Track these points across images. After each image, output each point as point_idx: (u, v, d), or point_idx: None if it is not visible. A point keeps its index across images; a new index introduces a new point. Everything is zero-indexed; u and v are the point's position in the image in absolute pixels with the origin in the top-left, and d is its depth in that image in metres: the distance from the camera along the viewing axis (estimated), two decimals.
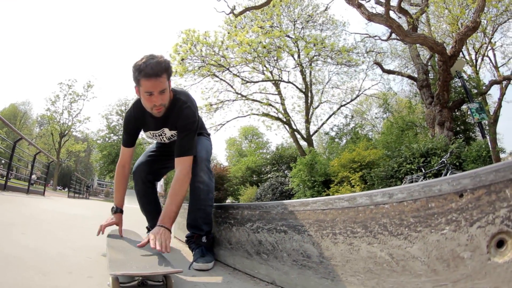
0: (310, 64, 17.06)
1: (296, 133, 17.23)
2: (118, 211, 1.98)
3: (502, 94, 17.62)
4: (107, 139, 30.66)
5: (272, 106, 16.88)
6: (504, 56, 19.19)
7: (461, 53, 14.49)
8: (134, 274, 1.26)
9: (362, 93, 19.88)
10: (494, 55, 19.39)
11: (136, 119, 1.95)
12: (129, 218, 2.45)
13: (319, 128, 20.04)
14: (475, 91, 13.51)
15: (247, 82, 16.40)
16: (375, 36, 15.67)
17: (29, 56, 79.31)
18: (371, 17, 9.90)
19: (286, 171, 17.74)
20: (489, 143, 11.64)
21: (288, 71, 17.75)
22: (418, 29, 11.74)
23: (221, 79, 16.15)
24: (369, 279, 1.12)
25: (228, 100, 16.63)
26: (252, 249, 1.63)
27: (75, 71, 75.25)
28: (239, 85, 16.53)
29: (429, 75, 13.14)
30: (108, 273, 1.21)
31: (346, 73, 18.49)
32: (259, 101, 16.81)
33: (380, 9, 10.93)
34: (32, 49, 79.88)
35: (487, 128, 15.15)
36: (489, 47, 18.19)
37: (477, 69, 17.89)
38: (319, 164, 12.43)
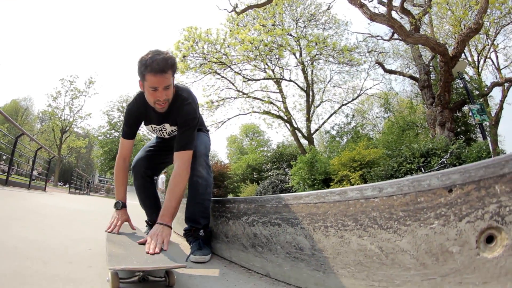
0: (312, 63, 17.05)
1: (297, 131, 17.25)
2: (123, 206, 1.98)
3: (504, 96, 17.58)
4: (108, 136, 30.77)
5: (273, 104, 16.90)
6: (506, 59, 19.11)
7: (463, 54, 14.46)
8: (135, 268, 1.18)
9: (363, 93, 19.90)
10: (497, 57, 19.33)
11: (138, 112, 1.97)
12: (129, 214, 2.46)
13: (320, 127, 20.08)
14: (477, 92, 13.50)
15: (249, 80, 16.42)
16: (377, 36, 15.68)
17: (31, 52, 79.42)
18: (373, 17, 9.89)
19: (286, 169, 17.77)
20: (490, 145, 11.63)
21: (290, 70, 17.79)
22: (421, 29, 11.72)
23: (222, 77, 16.17)
24: (359, 272, 1.14)
25: (230, 98, 16.66)
26: (248, 242, 1.66)
27: (76, 67, 75.38)
28: (241, 83, 16.56)
29: (431, 75, 13.13)
30: (107, 267, 1.15)
31: (347, 72, 18.49)
32: (260, 99, 16.83)
33: (382, 9, 10.92)
34: (34, 45, 79.97)
35: (488, 129, 15.14)
36: (492, 49, 18.11)
37: (479, 70, 17.84)
38: (320, 162, 12.46)
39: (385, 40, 15.39)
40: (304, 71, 17.61)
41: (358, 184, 10.29)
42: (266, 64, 16.41)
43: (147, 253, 1.40)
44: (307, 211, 1.33)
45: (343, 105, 19.69)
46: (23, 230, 2.11)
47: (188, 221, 2.10)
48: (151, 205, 2.47)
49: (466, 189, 0.94)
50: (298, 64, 17.18)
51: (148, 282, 1.27)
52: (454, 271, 0.95)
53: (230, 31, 15.10)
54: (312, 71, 18.03)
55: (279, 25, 16.19)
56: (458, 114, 12.83)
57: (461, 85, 11.28)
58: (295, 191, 12.66)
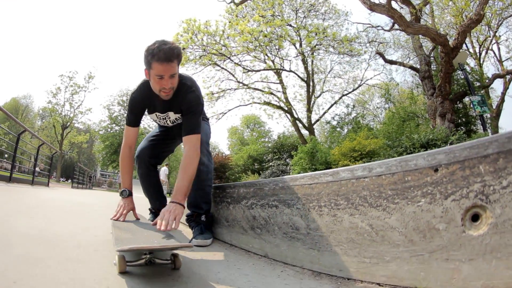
0: (312, 53, 16.96)
1: (297, 122, 17.25)
2: (130, 194, 1.98)
3: (506, 88, 17.37)
4: (109, 130, 30.75)
5: (274, 95, 16.87)
6: (508, 51, 18.84)
7: (464, 45, 14.35)
8: (142, 247, 1.15)
9: (364, 83, 19.81)
10: (499, 49, 19.09)
11: (142, 100, 2.01)
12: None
13: (320, 117, 20.06)
14: (478, 84, 13.43)
15: (249, 71, 16.35)
16: (378, 26, 15.57)
17: (29, 49, 78.82)
18: (373, 7, 9.83)
19: (287, 159, 17.85)
20: None
21: (290, 60, 17.66)
22: (421, 20, 11.64)
23: (222, 68, 16.11)
24: (351, 249, 1.21)
25: (230, 89, 16.62)
26: (247, 224, 1.74)
27: (75, 62, 74.92)
28: (241, 74, 16.49)
29: (432, 66, 13.07)
30: (115, 249, 1.14)
31: (348, 62, 18.38)
32: (260, 90, 16.79)
33: None
34: (32, 42, 79.48)
35: (489, 121, 15.11)
36: (494, 41, 17.90)
37: (481, 62, 17.68)
38: (320, 152, 12.53)
39: (385, 30, 15.29)
40: (304, 62, 17.53)
41: None
42: (266, 55, 16.34)
43: (159, 229, 1.43)
44: (302, 192, 1.39)
45: (343, 95, 19.65)
46: (32, 221, 2.19)
47: (190, 206, 2.17)
48: (155, 193, 2.54)
49: (451, 169, 0.99)
50: (298, 54, 17.08)
51: (154, 265, 1.27)
52: (441, 248, 1.00)
53: (229, 22, 14.99)
54: (312, 61, 17.95)
55: (279, 15, 16.05)
56: (459, 105, 12.81)
57: (462, 76, 11.22)
58: None
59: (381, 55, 15.16)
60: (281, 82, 17.19)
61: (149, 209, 2.64)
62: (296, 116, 17.31)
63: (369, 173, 1.17)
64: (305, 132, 17.75)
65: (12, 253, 1.28)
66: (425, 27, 9.93)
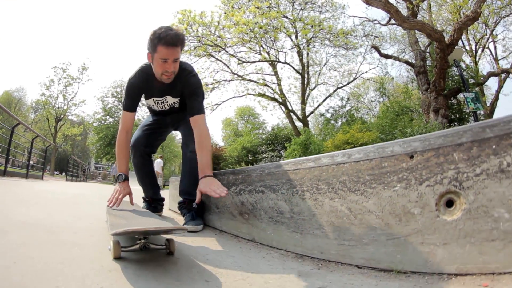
0: (308, 46, 16.92)
1: (292, 113, 17.31)
2: (126, 178, 1.99)
3: (500, 86, 17.41)
4: (103, 122, 30.55)
5: (268, 86, 16.86)
6: (505, 50, 18.93)
7: (461, 42, 14.41)
8: (136, 229, 1.12)
9: (359, 76, 19.87)
10: (495, 47, 19.16)
11: (139, 85, 2.06)
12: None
13: (315, 110, 20.13)
14: (472, 81, 13.53)
15: (244, 62, 16.30)
16: (374, 20, 15.59)
17: (21, 42, 77.22)
18: (369, 1, 9.82)
19: (281, 151, 17.95)
20: None
21: (285, 52, 17.61)
22: (419, 15, 11.65)
23: (217, 59, 16.02)
24: (331, 232, 1.27)
25: (224, 80, 16.58)
26: (236, 210, 1.81)
27: (69, 54, 73.74)
28: (236, 65, 16.43)
29: (427, 62, 13.15)
30: (109, 234, 1.14)
31: (344, 55, 18.39)
32: (255, 82, 16.76)
33: None
34: (25, 34, 77.74)
35: (483, 118, 15.28)
36: (490, 39, 17.94)
37: (476, 59, 17.77)
38: (314, 144, 12.62)
39: (382, 24, 15.32)
40: (299, 54, 17.51)
41: None
42: (261, 46, 16.26)
43: (220, 196, 1.56)
44: (286, 177, 1.46)
45: (338, 88, 19.70)
46: (29, 210, 2.25)
47: (182, 194, 2.24)
48: (149, 182, 2.61)
49: (426, 156, 1.05)
50: (294, 46, 17.04)
51: (149, 250, 1.27)
52: (416, 232, 1.05)
53: (225, 13, 14.88)
54: (307, 53, 17.93)
55: (275, 7, 15.95)
56: (453, 102, 12.92)
57: (457, 73, 11.30)
58: None
59: (377, 49, 15.20)
60: (276, 74, 17.18)
61: (143, 197, 2.70)
62: (290, 108, 17.36)
63: (348, 159, 1.23)
64: (299, 124, 17.83)
65: (11, 239, 1.34)
66: (421, 23, 9.96)
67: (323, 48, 17.90)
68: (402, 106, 15.40)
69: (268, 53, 16.78)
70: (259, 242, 1.62)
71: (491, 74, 15.22)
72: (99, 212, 2.18)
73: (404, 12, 10.47)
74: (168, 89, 2.09)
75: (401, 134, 9.71)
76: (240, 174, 1.82)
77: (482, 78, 14.53)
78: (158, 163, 15.46)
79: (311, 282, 1.05)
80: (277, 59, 17.02)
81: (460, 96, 11.96)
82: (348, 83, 19.97)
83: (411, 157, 1.08)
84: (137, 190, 2.50)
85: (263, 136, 22.53)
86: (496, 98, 17.40)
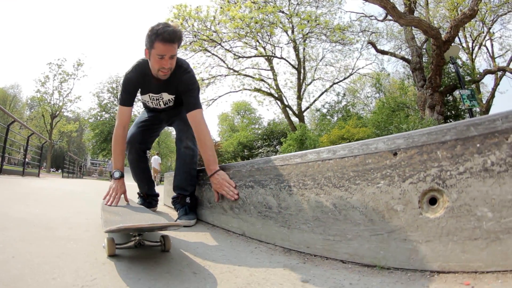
0: (304, 41, 16.90)
1: (287, 109, 17.34)
2: (122, 176, 1.99)
3: (496, 84, 17.51)
4: (99, 118, 30.38)
5: (264, 81, 16.87)
6: (502, 48, 19.01)
7: (458, 39, 14.42)
8: (130, 226, 1.11)
9: (355, 72, 19.89)
10: (492, 45, 19.22)
11: (136, 80, 2.07)
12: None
13: (311, 105, 20.13)
14: (469, 78, 13.59)
15: (239, 57, 16.26)
16: (371, 16, 15.59)
17: (15, 38, 76.29)
18: None
19: (277, 146, 18.02)
20: None
21: (281, 47, 17.64)
22: (416, 12, 11.67)
23: (213, 54, 15.98)
24: (317, 227, 1.30)
25: (220, 75, 16.56)
26: (227, 205, 1.85)
27: (64, 50, 73.02)
28: (231, 60, 16.41)
29: (423, 58, 13.19)
30: (103, 231, 1.13)
31: (340, 51, 18.39)
32: (251, 77, 16.76)
33: None
34: (19, 30, 76.76)
35: (478, 116, 15.35)
36: (487, 37, 17.98)
37: (473, 57, 17.81)
38: (309, 139, 12.68)
39: (379, 20, 15.31)
40: (296, 49, 17.48)
41: None
42: (257, 41, 16.24)
43: (235, 200, 1.69)
44: (275, 173, 1.50)
45: (334, 83, 19.72)
46: (26, 207, 2.29)
47: (176, 189, 2.28)
48: (144, 178, 2.64)
49: (409, 153, 1.05)
50: (290, 41, 17.02)
51: (144, 247, 1.26)
52: (399, 228, 1.06)
53: (221, 8, 14.81)
54: (304, 49, 17.91)
55: (271, 2, 15.88)
56: (449, 98, 13.00)
57: (453, 70, 11.32)
58: None
59: (373, 45, 15.21)
60: (272, 69, 17.16)
61: (138, 193, 2.73)
62: (286, 103, 17.39)
63: (333, 155, 1.25)
64: (295, 119, 17.88)
65: (9, 234, 1.39)
66: (418, 19, 9.98)
67: (320, 43, 17.93)
68: (398, 102, 15.46)
69: (264, 48, 16.76)
70: (249, 237, 1.66)
71: (487, 72, 15.29)
72: (95, 208, 2.22)
73: (401, 8, 10.49)
74: (164, 86, 2.11)
75: (397, 130, 9.77)
76: (231, 169, 1.85)
77: (478, 76, 14.62)
78: (155, 160, 15.46)
79: (295, 276, 1.09)
80: (273, 54, 17.00)
81: (456, 93, 12.04)
82: (344, 79, 20.03)
83: (395, 154, 1.09)
84: (132, 186, 2.54)
85: (259, 131, 22.57)
86: (492, 95, 17.49)
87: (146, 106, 2.47)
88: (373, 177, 1.14)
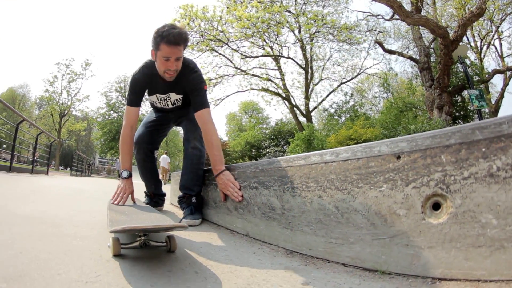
0: (311, 40, 16.86)
1: (295, 108, 17.33)
2: (130, 175, 2.00)
3: (505, 84, 17.19)
4: (107, 117, 30.71)
5: (272, 81, 16.89)
6: (510, 47, 18.77)
7: (466, 39, 14.20)
8: (135, 227, 1.11)
9: (363, 72, 19.79)
10: (501, 44, 18.91)
11: (143, 81, 2.09)
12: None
13: (318, 105, 20.10)
14: (477, 78, 13.38)
15: (247, 57, 16.31)
16: (378, 15, 15.48)
17: (24, 38, 77.62)
18: None
19: (284, 146, 18.01)
20: None
21: (288, 47, 17.60)
22: (423, 11, 11.54)
23: (220, 54, 16.07)
24: (319, 229, 1.29)
25: (228, 75, 16.64)
26: (232, 205, 1.86)
27: (72, 50, 74.02)
28: (239, 60, 16.47)
29: (431, 58, 13.04)
30: (108, 231, 1.12)
31: (347, 50, 18.32)
32: (258, 76, 16.79)
33: None
34: (28, 30, 78.06)
35: (487, 116, 15.12)
36: (496, 36, 17.64)
37: (481, 56, 17.53)
38: (317, 140, 12.65)
39: (386, 19, 15.20)
40: (303, 49, 17.46)
41: None
42: (264, 41, 16.27)
43: (239, 201, 1.71)
44: (278, 174, 1.50)
45: (342, 83, 19.66)
46: (33, 205, 2.33)
47: (182, 188, 2.30)
48: (151, 178, 2.67)
49: (413, 157, 1.03)
50: (297, 41, 16.99)
51: (149, 248, 1.27)
52: (401, 233, 1.04)
53: (227, 8, 14.85)
54: (311, 48, 17.87)
55: (277, 1, 15.86)
56: (458, 99, 12.82)
57: (462, 70, 11.13)
58: None
59: (380, 44, 15.10)
60: (279, 68, 17.17)
61: (145, 192, 2.77)
62: (294, 103, 17.39)
63: (336, 157, 1.24)
64: (303, 119, 17.85)
65: (17, 231, 1.42)
66: (425, 18, 9.87)
67: (327, 43, 17.89)
68: (406, 102, 15.33)
69: (271, 47, 16.77)
70: (253, 237, 1.66)
71: (496, 72, 15.05)
72: (101, 207, 2.25)
73: (408, 7, 10.39)
74: (171, 86, 2.13)
75: (405, 131, 9.68)
76: (236, 169, 1.86)
77: (487, 76, 14.39)
78: (164, 159, 15.56)
79: (295, 278, 1.09)
80: (280, 54, 16.99)
81: (465, 93, 11.86)
82: (352, 78, 19.94)
83: (398, 157, 1.07)
84: (139, 184, 2.57)
85: (267, 131, 22.58)
86: (501, 96, 17.19)
87: (154, 106, 2.49)
88: (376, 181, 1.12)
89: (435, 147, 0.98)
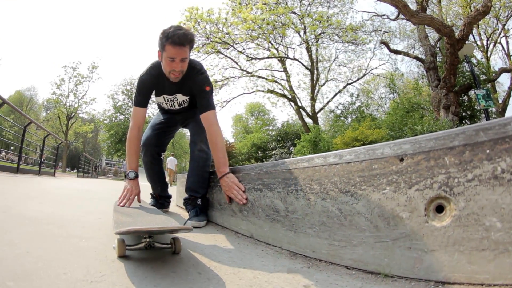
0: (317, 41, 16.84)
1: (301, 110, 17.30)
2: (136, 176, 2.01)
3: None
4: (113, 119, 31.03)
5: (278, 83, 16.89)
6: None
7: (472, 37, 14.04)
8: (140, 229, 1.11)
9: (369, 72, 19.69)
10: (507, 42, 18.64)
11: (151, 82, 2.11)
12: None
13: (324, 106, 20.04)
14: (484, 77, 13.22)
15: (252, 59, 16.35)
16: (383, 15, 15.43)
17: (31, 42, 78.83)
18: None
19: (291, 148, 17.98)
20: None
21: (294, 48, 17.65)
22: (428, 10, 11.46)
23: (226, 56, 16.13)
24: (323, 231, 1.29)
25: (233, 77, 16.69)
26: (236, 207, 1.86)
27: (79, 53, 74.92)
28: (244, 62, 16.53)
29: (437, 57, 12.92)
30: (113, 233, 1.13)
31: (353, 51, 18.26)
32: (264, 78, 16.82)
33: None
34: (35, 34, 79.32)
35: (494, 116, 14.92)
36: (502, 34, 17.44)
37: (488, 55, 17.32)
38: (323, 141, 12.61)
39: (391, 19, 15.14)
40: (308, 50, 17.44)
41: None
42: (270, 42, 16.29)
43: (243, 204, 1.71)
44: (282, 176, 1.50)
45: (348, 84, 19.58)
46: (40, 206, 2.37)
47: (188, 190, 2.32)
48: (157, 180, 2.70)
49: (416, 159, 1.02)
50: (302, 42, 16.99)
51: (154, 249, 1.27)
52: (404, 236, 1.03)
53: (232, 10, 14.92)
54: (316, 49, 17.83)
55: (282, 3, 15.88)
56: (464, 98, 12.68)
57: (468, 69, 10.99)
58: None
59: (386, 45, 15.02)
60: (285, 70, 17.17)
61: (151, 193, 2.79)
62: (300, 104, 17.37)
63: (339, 160, 1.24)
64: (309, 120, 17.81)
65: (24, 230, 1.45)
66: (430, 17, 9.79)
67: (332, 44, 17.85)
68: (412, 102, 15.21)
69: (276, 49, 16.78)
70: (257, 239, 1.67)
71: (503, 70, 14.83)
72: (108, 208, 2.27)
73: (413, 6, 10.32)
74: (178, 87, 2.14)
75: (411, 132, 9.60)
76: (241, 172, 1.86)
77: (494, 74, 14.19)
78: (171, 161, 15.61)
79: (298, 280, 1.09)
80: (286, 55, 17.00)
81: (471, 92, 11.72)
82: (358, 79, 19.86)
83: (401, 160, 1.06)
84: (145, 186, 2.60)
85: (273, 133, 22.59)
86: (509, 95, 16.94)
87: (160, 108, 2.51)
88: (379, 183, 1.12)
89: (439, 149, 0.97)
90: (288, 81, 16.99)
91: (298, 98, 17.44)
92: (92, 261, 1.12)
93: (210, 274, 1.12)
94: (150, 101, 2.21)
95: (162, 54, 1.91)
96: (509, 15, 15.87)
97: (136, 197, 2.02)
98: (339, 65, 19.50)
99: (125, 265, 1.11)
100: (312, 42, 16.85)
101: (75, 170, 26.14)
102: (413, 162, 1.03)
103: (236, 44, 15.48)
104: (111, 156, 36.66)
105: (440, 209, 0.98)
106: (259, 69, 17.20)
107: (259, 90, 17.02)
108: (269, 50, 16.50)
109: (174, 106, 2.31)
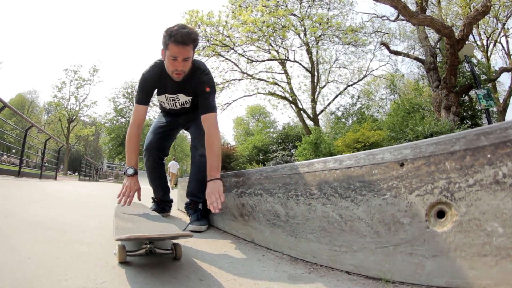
0: (317, 43, 16.86)
1: (302, 112, 17.29)
2: (135, 173, 1.97)
3: None
4: (115, 122, 31.12)
5: (278, 85, 16.90)
6: None
7: (472, 37, 14.03)
8: (140, 236, 1.11)
9: (369, 74, 19.64)
10: (507, 41, 18.53)
11: (153, 80, 2.09)
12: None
13: (325, 108, 20.02)
14: (484, 77, 13.20)
15: (253, 61, 16.37)
16: (383, 16, 15.42)
17: (33, 45, 78.92)
18: None
19: (292, 150, 17.95)
20: None
21: (294, 50, 17.64)
22: (428, 10, 11.47)
23: (226, 59, 16.15)
24: (323, 237, 1.28)
25: (234, 80, 16.71)
26: (237, 212, 1.86)
27: (80, 56, 75.08)
28: (245, 65, 16.54)
29: (437, 58, 12.91)
30: (114, 239, 1.13)
31: (353, 53, 18.24)
32: (265, 80, 16.82)
33: None
34: (36, 37, 79.44)
35: (495, 116, 14.89)
36: (502, 33, 17.38)
37: (488, 55, 17.29)
38: (324, 143, 12.59)
39: (391, 20, 15.14)
40: (309, 52, 17.44)
41: None
42: (270, 45, 16.30)
43: (218, 211, 1.58)
44: (282, 181, 1.50)
45: (348, 86, 19.54)
46: (41, 210, 2.36)
47: (189, 195, 2.32)
48: (159, 184, 2.69)
49: (416, 164, 1.01)
50: (303, 44, 17.01)
51: (155, 255, 1.27)
52: (405, 242, 1.02)
53: (233, 12, 14.97)
54: (317, 51, 17.83)
55: (282, 5, 15.91)
56: (465, 98, 12.65)
57: (469, 69, 10.97)
58: None
59: (386, 46, 15.02)
60: (285, 72, 17.18)
61: (152, 197, 2.79)
62: (300, 106, 17.35)
63: (339, 165, 1.24)
64: (310, 122, 17.80)
65: (25, 236, 1.45)
66: (430, 18, 9.80)
67: (332, 46, 17.84)
68: (413, 103, 15.19)
69: (277, 51, 16.80)
70: (258, 244, 1.67)
71: (503, 70, 14.80)
72: (109, 213, 2.26)
73: (413, 7, 10.32)
74: (181, 87, 2.13)
75: (412, 133, 9.57)
76: (241, 176, 1.86)
77: (494, 74, 14.17)
78: (173, 165, 15.61)
79: (298, 286, 1.09)
80: (286, 58, 17.02)
81: (472, 93, 11.70)
82: (359, 81, 19.81)
83: (402, 165, 1.05)
84: (146, 189, 2.60)
85: (274, 135, 22.54)
86: (509, 94, 16.88)
87: (162, 108, 2.50)
88: (379, 188, 1.11)
89: (439, 153, 0.96)
90: (289, 83, 17.00)
91: (299, 100, 17.46)
92: (93, 267, 1.12)
93: (211, 280, 1.12)
94: (151, 103, 2.19)
95: (165, 52, 1.90)
96: (508, 15, 15.86)
97: (136, 193, 1.95)
98: (340, 67, 19.50)
99: (126, 271, 1.11)
100: (312, 44, 16.88)
101: (77, 173, 26.21)
102: (413, 167, 1.03)
103: (236, 46, 15.51)
104: (112, 159, 36.70)
105: (441, 214, 0.97)
106: (259, 72, 17.23)
107: (259, 93, 17.03)
108: (270, 53, 16.53)
109: (176, 106, 2.29)
